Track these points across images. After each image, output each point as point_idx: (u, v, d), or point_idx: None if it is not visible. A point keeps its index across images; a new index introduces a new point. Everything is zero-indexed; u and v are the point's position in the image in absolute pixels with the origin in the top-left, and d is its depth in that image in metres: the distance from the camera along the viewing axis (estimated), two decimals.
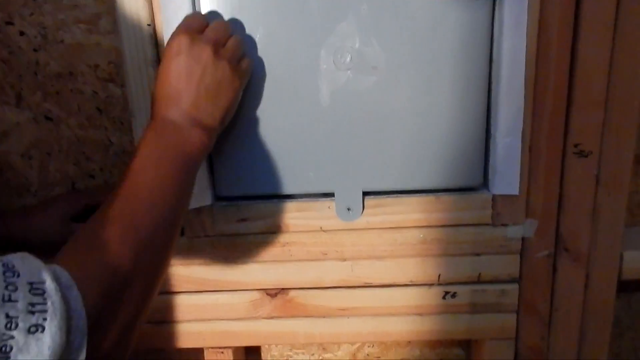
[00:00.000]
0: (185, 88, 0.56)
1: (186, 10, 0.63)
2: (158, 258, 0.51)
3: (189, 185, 0.56)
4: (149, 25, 0.64)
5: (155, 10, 0.64)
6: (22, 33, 0.72)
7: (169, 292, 0.75)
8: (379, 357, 0.87)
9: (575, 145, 0.66)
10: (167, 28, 0.63)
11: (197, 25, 0.58)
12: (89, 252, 0.46)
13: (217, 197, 0.72)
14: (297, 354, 0.87)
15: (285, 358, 0.88)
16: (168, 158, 0.54)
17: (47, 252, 0.72)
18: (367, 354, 0.87)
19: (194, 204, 0.70)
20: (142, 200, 0.50)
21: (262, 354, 0.88)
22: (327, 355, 0.87)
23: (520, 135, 0.66)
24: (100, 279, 0.44)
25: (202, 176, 0.69)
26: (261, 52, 0.65)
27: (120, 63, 0.71)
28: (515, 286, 0.73)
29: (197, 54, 0.56)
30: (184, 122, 0.56)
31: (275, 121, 0.68)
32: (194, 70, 0.56)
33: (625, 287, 0.80)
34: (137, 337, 0.49)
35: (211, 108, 0.58)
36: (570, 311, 0.73)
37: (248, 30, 0.64)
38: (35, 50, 0.72)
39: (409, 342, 0.86)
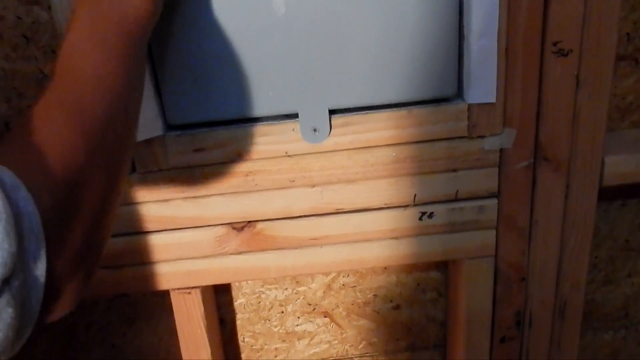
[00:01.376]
0: None
1: None
2: (117, 147, 0.43)
3: (138, 62, 0.48)
4: None
5: None
6: None
7: (126, 234, 0.69)
8: (355, 286, 0.84)
9: (555, 44, 0.62)
10: None
11: None
12: (31, 144, 0.38)
13: (169, 126, 0.65)
14: (269, 289, 0.83)
15: (257, 295, 0.84)
16: (108, 28, 0.45)
17: None
18: (343, 284, 0.84)
19: (142, 135, 0.63)
20: (87, 78, 0.42)
21: (232, 293, 0.84)
22: (301, 289, 0.84)
23: (495, 36, 0.61)
24: (50, 174, 0.37)
25: (149, 103, 0.62)
26: None
27: None
28: (494, 201, 0.69)
29: None
30: None
31: (227, 35, 0.60)
32: None
33: (603, 195, 0.77)
34: (104, 253, 0.42)
35: None
36: (550, 223, 0.70)
37: None
38: None
39: (385, 268, 0.83)
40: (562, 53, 0.62)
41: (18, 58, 0.67)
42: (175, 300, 0.74)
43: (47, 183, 0.36)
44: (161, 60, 0.61)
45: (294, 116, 0.64)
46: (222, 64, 0.62)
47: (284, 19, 0.60)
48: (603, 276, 0.86)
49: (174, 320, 0.77)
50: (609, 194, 0.79)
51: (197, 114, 0.64)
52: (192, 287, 0.73)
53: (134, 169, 0.66)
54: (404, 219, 0.70)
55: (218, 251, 0.71)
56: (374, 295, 0.85)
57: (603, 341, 0.90)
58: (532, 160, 0.67)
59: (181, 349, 0.78)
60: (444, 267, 0.83)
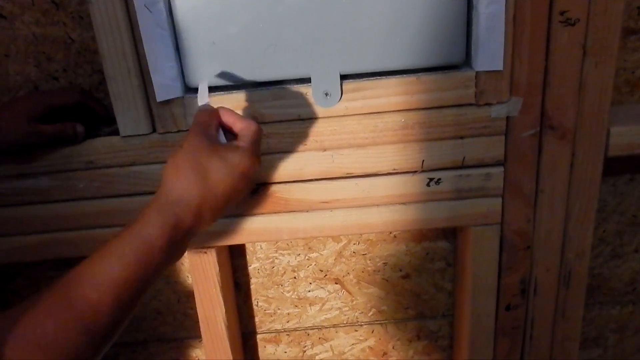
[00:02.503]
0: (222, 206, 0.55)
1: None
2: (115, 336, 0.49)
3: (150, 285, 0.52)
4: None
5: None
6: None
7: (144, 194, 0.72)
8: (365, 253, 0.86)
9: (562, 13, 0.63)
10: None
11: (260, 138, 0.59)
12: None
13: (188, 88, 0.68)
14: (282, 254, 0.86)
15: (270, 260, 0.87)
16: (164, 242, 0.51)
17: (13, 153, 0.69)
18: (353, 252, 0.86)
19: (162, 95, 0.66)
20: (75, 311, 0.46)
21: (247, 257, 0.87)
22: (313, 255, 0.86)
23: (503, 3, 0.62)
24: None
25: (169, 64, 0.65)
26: None
27: None
28: (500, 169, 0.71)
29: (252, 178, 0.56)
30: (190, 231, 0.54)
31: (246, 2, 0.63)
32: (241, 195, 0.56)
33: (611, 169, 0.78)
34: None
35: (215, 218, 0.56)
36: (555, 191, 0.72)
37: None
38: None
39: (395, 237, 0.85)
40: (569, 22, 0.63)
41: (47, 23, 0.71)
42: (192, 259, 0.78)
43: None
44: (182, 24, 0.64)
45: (306, 81, 0.67)
46: (239, 29, 0.64)
47: None
48: (610, 250, 0.87)
49: (192, 283, 0.80)
50: (617, 168, 0.80)
51: (216, 77, 0.67)
52: (208, 247, 0.77)
53: (154, 129, 0.69)
54: (411, 184, 0.72)
55: (233, 212, 0.74)
56: (383, 263, 0.87)
57: (610, 315, 0.91)
58: (538, 128, 0.69)
59: (197, 307, 0.81)
60: (453, 237, 0.85)
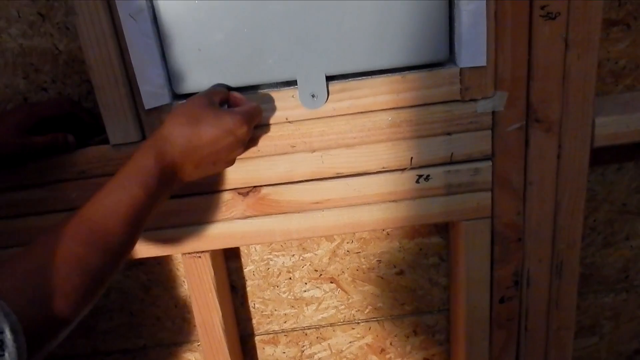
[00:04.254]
0: (206, 159, 0.61)
1: None
2: (98, 295, 0.53)
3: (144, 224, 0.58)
4: None
5: None
6: None
7: None
8: (359, 252, 0.87)
9: (542, 7, 0.64)
10: None
11: (258, 117, 0.66)
12: (36, 292, 0.47)
13: (175, 95, 0.69)
14: (277, 256, 0.87)
15: (265, 261, 0.87)
16: (161, 174, 0.58)
17: (5, 165, 0.70)
18: (347, 250, 0.87)
19: (151, 103, 0.67)
20: (97, 235, 0.53)
21: (242, 260, 0.87)
22: (307, 255, 0.87)
23: (484, 0, 0.63)
24: (44, 327, 0.47)
25: (157, 72, 0.66)
26: None
27: None
28: (488, 163, 0.72)
29: (240, 141, 0.63)
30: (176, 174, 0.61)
31: (230, 8, 0.64)
32: (226, 154, 0.63)
33: (599, 159, 0.79)
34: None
35: (199, 165, 0.61)
36: (544, 183, 0.73)
37: None
38: None
39: (388, 234, 0.86)
40: (550, 16, 0.64)
41: (34, 35, 0.71)
42: (187, 264, 0.78)
43: (39, 334, 0.46)
44: (167, 32, 0.65)
45: (293, 83, 0.68)
46: (224, 35, 0.65)
47: None
48: (602, 239, 0.87)
49: (188, 288, 0.81)
50: (605, 158, 0.81)
51: (202, 82, 0.67)
52: (202, 252, 0.77)
53: (143, 137, 0.69)
54: (401, 182, 0.73)
55: (225, 216, 0.74)
56: (377, 260, 0.88)
57: (604, 304, 0.92)
58: (524, 122, 0.70)
59: (194, 312, 0.81)
60: (445, 232, 0.86)
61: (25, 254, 0.50)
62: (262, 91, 0.68)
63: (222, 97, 0.65)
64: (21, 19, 0.70)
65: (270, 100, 0.68)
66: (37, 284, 0.48)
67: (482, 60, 0.66)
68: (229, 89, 0.68)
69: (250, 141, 0.69)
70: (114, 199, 0.55)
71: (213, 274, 0.78)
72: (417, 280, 0.89)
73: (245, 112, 0.63)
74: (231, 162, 0.66)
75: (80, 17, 0.63)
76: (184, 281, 0.87)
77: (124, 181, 0.56)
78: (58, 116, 0.70)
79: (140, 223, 0.57)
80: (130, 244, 0.57)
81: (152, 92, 0.66)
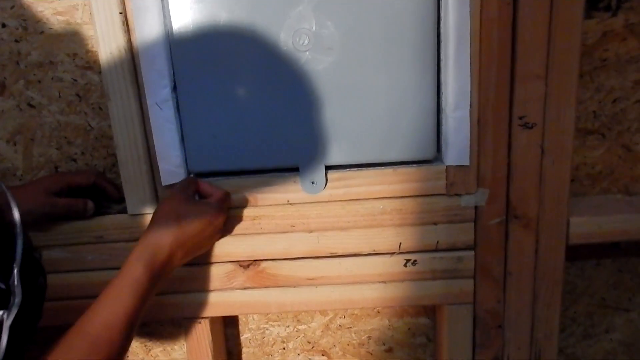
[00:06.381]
0: (193, 248, 0.70)
1: None
2: None
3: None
4: (120, 13, 0.69)
5: None
6: (4, 25, 0.76)
7: None
8: (350, 327, 0.92)
9: (521, 118, 0.72)
10: (136, 14, 0.68)
11: (229, 202, 0.75)
12: None
13: (190, 173, 0.76)
14: (272, 325, 0.92)
15: (261, 330, 0.92)
16: (150, 279, 0.64)
17: (30, 223, 0.77)
18: (339, 325, 0.92)
19: (168, 180, 0.75)
20: (98, 348, 0.58)
21: (239, 327, 0.92)
22: (301, 327, 0.92)
23: (468, 108, 0.71)
24: None
25: (175, 153, 0.74)
26: (227, 37, 0.70)
27: (97, 51, 0.75)
28: (471, 253, 0.78)
29: (218, 229, 0.73)
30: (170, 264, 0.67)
31: (243, 102, 0.73)
32: (208, 242, 0.73)
33: (578, 254, 0.85)
34: None
35: (186, 256, 0.70)
36: (522, 274, 0.78)
37: (212, 16, 0.69)
38: (16, 41, 0.77)
39: (378, 312, 0.91)
40: (527, 126, 0.72)
41: (71, 113, 0.80)
42: (187, 329, 0.84)
43: None
44: (187, 120, 0.73)
45: (295, 170, 0.75)
46: (238, 125, 0.73)
47: (290, 90, 0.72)
48: (582, 330, 0.92)
49: (186, 351, 0.86)
50: (583, 254, 0.86)
51: (215, 164, 0.75)
52: (202, 318, 0.83)
53: None
54: (390, 264, 0.79)
55: (226, 285, 0.80)
56: (368, 337, 0.93)
57: None
58: (504, 217, 0.76)
59: None
60: (433, 313, 0.90)
61: None
62: (267, 175, 0.76)
63: (193, 189, 0.73)
64: (61, 99, 0.80)
65: (274, 183, 0.75)
66: None
67: (466, 160, 0.73)
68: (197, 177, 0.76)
69: (255, 218, 0.77)
70: (110, 311, 0.60)
71: (211, 339, 0.84)
72: (404, 358, 0.93)
73: (219, 201, 0.71)
74: (212, 244, 0.76)
75: (112, 102, 0.72)
76: (183, 344, 0.92)
77: (118, 292, 0.62)
78: (84, 186, 0.78)
79: (136, 325, 0.62)
80: (128, 346, 0.62)
81: (170, 170, 0.74)
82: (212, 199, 0.72)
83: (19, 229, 0.47)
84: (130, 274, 0.63)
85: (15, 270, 0.45)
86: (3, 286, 0.44)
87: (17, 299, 0.45)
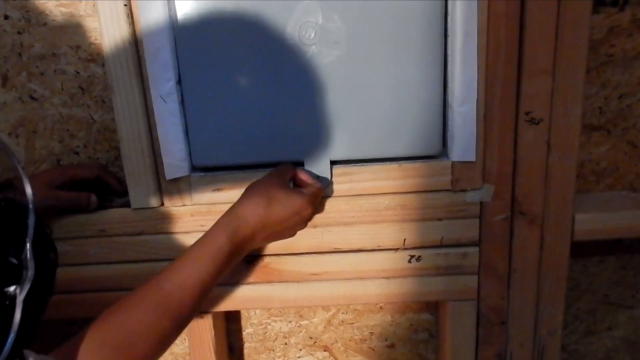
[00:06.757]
0: (275, 234, 0.71)
1: None
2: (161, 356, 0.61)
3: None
4: (125, 5, 0.68)
5: None
6: (6, 17, 0.76)
7: (151, 260, 0.79)
8: (353, 323, 0.92)
9: (527, 113, 0.71)
10: (141, 6, 0.67)
11: (320, 197, 0.74)
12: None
13: (194, 168, 0.76)
14: (275, 321, 0.92)
15: (263, 325, 0.92)
16: (231, 252, 0.65)
17: None
18: (342, 320, 0.92)
19: (172, 174, 0.74)
20: (169, 305, 0.60)
21: (241, 322, 0.92)
22: (303, 322, 0.92)
23: (475, 104, 0.70)
24: None
25: (179, 147, 0.73)
26: (232, 30, 0.69)
27: (101, 44, 0.75)
28: (475, 249, 0.77)
29: (304, 221, 0.73)
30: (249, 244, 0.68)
31: (248, 96, 0.72)
32: (290, 231, 0.73)
33: (582, 251, 0.85)
34: None
35: (267, 240, 0.72)
36: (527, 271, 0.78)
37: (217, 9, 0.68)
38: (19, 32, 0.76)
39: (381, 308, 0.91)
40: (534, 121, 0.71)
41: (74, 105, 0.80)
42: (191, 322, 0.83)
43: None
44: (192, 114, 0.73)
45: (300, 164, 0.75)
46: (243, 119, 0.73)
47: (296, 84, 0.71)
48: (584, 327, 0.91)
49: (188, 345, 0.85)
50: (587, 250, 0.86)
51: (219, 158, 0.75)
52: (205, 313, 0.82)
53: (162, 203, 0.76)
54: (394, 260, 0.78)
55: (230, 280, 0.80)
56: (370, 332, 0.93)
57: None
58: (509, 213, 0.76)
59: None
60: (435, 309, 0.90)
61: (105, 320, 0.57)
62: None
63: (290, 175, 0.73)
64: (64, 91, 0.79)
65: None
66: (111, 352, 0.55)
67: (471, 156, 0.73)
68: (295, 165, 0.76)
69: None
70: (188, 273, 0.61)
71: (213, 334, 0.83)
72: (406, 354, 0.93)
73: (311, 194, 0.71)
74: (294, 234, 0.75)
75: (116, 95, 0.72)
76: (185, 339, 0.92)
77: (198, 256, 0.63)
78: (87, 179, 0.78)
79: (208, 293, 0.64)
80: (197, 311, 0.64)
81: (174, 165, 0.74)
82: (306, 190, 0.71)
83: (31, 204, 0.47)
84: (213, 242, 0.64)
85: (28, 245, 0.45)
86: (15, 261, 0.44)
87: (30, 273, 0.45)
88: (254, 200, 0.67)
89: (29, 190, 0.47)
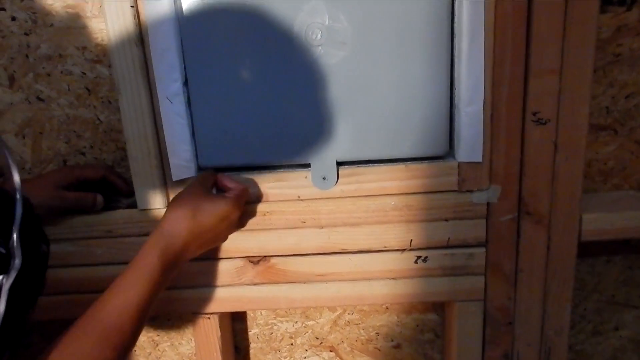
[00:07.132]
0: (207, 242, 0.70)
1: None
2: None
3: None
4: (131, 6, 0.68)
5: None
6: (13, 18, 0.76)
7: None
8: (359, 323, 0.92)
9: (534, 114, 0.71)
10: (147, 7, 0.67)
11: (246, 198, 0.74)
12: None
13: (200, 169, 0.76)
14: (281, 321, 0.92)
15: (270, 326, 0.92)
16: (164, 268, 0.64)
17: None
18: (348, 321, 0.92)
19: (178, 175, 0.74)
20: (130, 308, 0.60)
21: (247, 323, 0.92)
22: (309, 323, 0.92)
23: (481, 104, 0.70)
24: None
25: (185, 148, 0.74)
26: (238, 31, 0.69)
27: (107, 45, 0.75)
28: (482, 249, 0.77)
29: (234, 224, 0.73)
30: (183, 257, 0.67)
31: (254, 97, 0.72)
32: (222, 235, 0.73)
33: (588, 251, 0.85)
34: None
35: (200, 249, 0.70)
36: (534, 271, 0.78)
37: (225, 11, 0.68)
38: (26, 34, 0.76)
39: (387, 308, 0.91)
40: (541, 122, 0.71)
41: (80, 106, 0.80)
42: (196, 324, 0.83)
43: None
44: (198, 114, 0.73)
45: (306, 165, 0.75)
46: (249, 120, 0.73)
47: (302, 84, 0.71)
48: (591, 327, 0.91)
49: (194, 345, 0.86)
50: (594, 250, 0.86)
51: (225, 159, 0.75)
52: (211, 313, 0.82)
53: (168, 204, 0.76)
54: (401, 261, 0.78)
55: (236, 281, 0.80)
56: (376, 333, 0.92)
57: None
58: (516, 213, 0.76)
59: None
60: (441, 310, 0.90)
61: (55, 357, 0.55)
62: (278, 171, 0.75)
63: (212, 182, 0.73)
64: (70, 92, 0.79)
65: (285, 179, 0.75)
66: None
67: (478, 157, 0.72)
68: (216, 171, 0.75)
69: (265, 214, 0.76)
70: (123, 298, 0.60)
71: (219, 335, 0.83)
72: (412, 354, 0.93)
73: (235, 197, 0.71)
74: (226, 239, 0.76)
75: (123, 96, 0.72)
76: (191, 339, 0.92)
77: (132, 280, 0.62)
78: (93, 179, 0.78)
79: (147, 314, 0.62)
80: (138, 334, 0.62)
81: (181, 165, 0.74)
82: (229, 194, 0.71)
83: (18, 193, 0.46)
84: (144, 262, 0.63)
85: (15, 234, 0.45)
86: (3, 250, 0.44)
87: (17, 262, 0.44)
88: (180, 213, 0.66)
89: (17, 178, 0.47)
